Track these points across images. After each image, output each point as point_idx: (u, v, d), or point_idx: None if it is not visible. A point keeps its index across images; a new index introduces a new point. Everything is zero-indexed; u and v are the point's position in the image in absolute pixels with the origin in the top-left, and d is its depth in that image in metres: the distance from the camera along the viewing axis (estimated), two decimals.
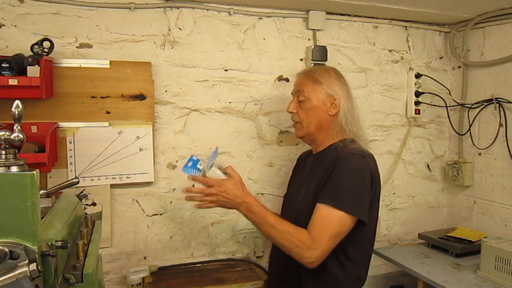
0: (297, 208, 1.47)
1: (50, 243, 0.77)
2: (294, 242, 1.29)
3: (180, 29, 1.88)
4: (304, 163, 1.64)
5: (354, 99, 1.54)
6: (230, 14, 1.94)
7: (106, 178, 1.77)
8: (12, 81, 1.41)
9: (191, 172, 1.43)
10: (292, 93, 1.59)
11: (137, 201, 1.86)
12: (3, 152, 0.78)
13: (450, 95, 2.35)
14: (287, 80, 2.06)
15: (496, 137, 2.12)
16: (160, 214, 1.90)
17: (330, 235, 1.27)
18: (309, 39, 2.09)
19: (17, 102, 0.81)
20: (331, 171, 1.34)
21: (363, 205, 1.31)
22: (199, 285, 1.71)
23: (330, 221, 1.28)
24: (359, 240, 1.37)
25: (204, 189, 1.38)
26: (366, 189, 1.33)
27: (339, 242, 1.31)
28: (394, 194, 2.35)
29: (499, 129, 2.10)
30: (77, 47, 1.73)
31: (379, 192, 1.43)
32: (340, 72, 1.55)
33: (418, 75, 2.29)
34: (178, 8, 1.87)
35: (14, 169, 0.77)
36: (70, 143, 1.71)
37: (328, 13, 2.08)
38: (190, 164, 1.45)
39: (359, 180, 1.32)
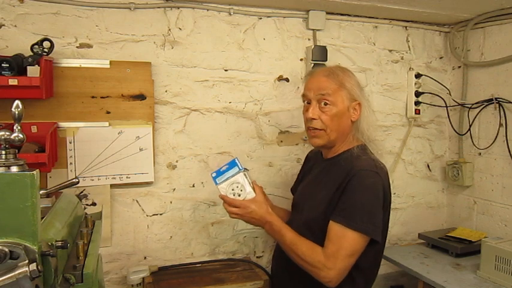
0: (307, 216, 1.44)
1: (50, 243, 0.77)
2: (310, 262, 1.30)
3: (180, 29, 1.88)
4: (313, 164, 1.60)
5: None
6: (230, 14, 1.94)
7: (106, 178, 1.77)
8: (12, 81, 1.41)
9: (222, 177, 1.47)
10: (307, 97, 1.44)
11: (137, 201, 1.86)
12: (3, 152, 0.78)
13: (450, 95, 2.35)
14: (287, 80, 2.06)
15: (496, 137, 2.12)
16: (160, 214, 1.90)
17: (345, 254, 1.26)
18: (309, 39, 2.09)
19: (17, 102, 0.81)
20: (344, 187, 1.31)
21: (376, 224, 1.29)
22: (199, 285, 1.71)
23: (345, 240, 1.26)
24: (370, 254, 1.35)
25: (230, 209, 1.42)
26: (379, 207, 1.31)
27: (355, 259, 1.29)
28: (394, 194, 2.34)
29: (499, 129, 2.10)
30: (77, 47, 1.73)
31: (390, 204, 1.41)
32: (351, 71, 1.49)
33: (418, 75, 2.29)
34: (178, 8, 1.87)
35: (14, 169, 0.77)
36: (70, 143, 1.71)
37: (328, 13, 2.08)
38: (224, 167, 1.47)
39: (373, 198, 1.30)
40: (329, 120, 1.39)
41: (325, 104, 1.39)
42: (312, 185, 1.50)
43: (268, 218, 1.39)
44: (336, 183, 1.34)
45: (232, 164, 1.46)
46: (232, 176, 1.44)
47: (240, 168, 1.44)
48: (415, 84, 2.29)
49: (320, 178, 1.48)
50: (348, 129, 1.43)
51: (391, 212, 2.27)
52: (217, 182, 1.46)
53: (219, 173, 1.48)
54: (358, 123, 1.42)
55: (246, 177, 1.45)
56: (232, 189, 1.43)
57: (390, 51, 2.27)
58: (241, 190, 1.42)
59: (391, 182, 2.25)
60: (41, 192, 0.97)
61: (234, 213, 1.41)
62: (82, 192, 1.74)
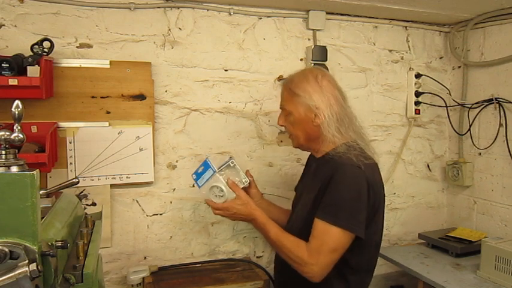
0: (299, 215, 1.46)
1: (50, 243, 0.77)
2: (292, 257, 1.33)
3: (180, 29, 1.88)
4: (310, 165, 1.61)
5: (346, 99, 1.44)
6: (230, 14, 1.94)
7: (106, 178, 1.77)
8: (12, 81, 1.41)
9: (202, 178, 1.52)
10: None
11: (137, 201, 1.86)
12: (3, 152, 0.78)
13: (450, 95, 2.35)
14: None
15: (496, 137, 2.12)
16: (160, 214, 1.90)
17: (328, 250, 1.28)
18: (309, 39, 2.09)
19: (17, 102, 0.81)
20: (327, 184, 1.32)
21: (359, 220, 1.28)
22: (199, 285, 1.71)
23: (327, 237, 1.28)
24: (360, 251, 1.35)
25: (216, 212, 1.50)
26: (362, 202, 1.29)
27: (339, 256, 1.30)
28: (394, 194, 2.35)
29: (499, 129, 2.10)
30: (77, 47, 1.73)
31: (383, 200, 1.40)
32: (322, 74, 1.43)
33: (418, 75, 2.29)
34: (178, 8, 1.87)
35: (14, 169, 0.77)
36: (70, 143, 1.71)
37: (328, 13, 2.08)
38: (201, 169, 1.53)
39: (355, 193, 1.29)
40: (291, 127, 1.46)
41: (286, 114, 1.46)
42: (305, 185, 1.53)
43: (253, 214, 1.43)
44: (321, 182, 1.36)
45: (206, 166, 1.51)
46: (209, 178, 1.50)
47: (214, 170, 1.49)
48: (415, 84, 2.29)
49: (312, 178, 1.50)
50: (315, 133, 1.41)
51: (391, 212, 2.33)
52: (200, 185, 1.52)
53: (198, 174, 1.53)
54: (324, 127, 1.38)
55: (223, 177, 1.49)
56: (214, 192, 1.49)
57: (390, 51, 2.27)
58: (221, 191, 1.48)
59: (391, 182, 2.31)
60: (41, 192, 0.97)
61: (219, 214, 1.49)
62: (82, 192, 1.74)
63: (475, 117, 2.23)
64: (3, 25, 1.64)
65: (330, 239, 1.27)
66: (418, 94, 2.29)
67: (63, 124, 1.70)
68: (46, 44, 1.58)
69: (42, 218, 0.84)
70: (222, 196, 1.47)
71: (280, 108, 1.50)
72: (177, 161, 1.91)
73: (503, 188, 2.11)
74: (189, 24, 1.89)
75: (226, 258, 2.01)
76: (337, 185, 1.30)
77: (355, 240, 1.30)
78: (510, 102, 2.04)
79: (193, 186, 1.93)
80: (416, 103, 2.30)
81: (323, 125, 1.38)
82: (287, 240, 1.35)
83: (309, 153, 1.73)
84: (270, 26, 2.02)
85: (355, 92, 2.18)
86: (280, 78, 2.05)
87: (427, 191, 2.43)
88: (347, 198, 1.29)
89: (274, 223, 1.41)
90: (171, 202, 1.91)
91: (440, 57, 2.39)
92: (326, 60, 2.03)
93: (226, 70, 1.96)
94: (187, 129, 1.92)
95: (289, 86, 1.43)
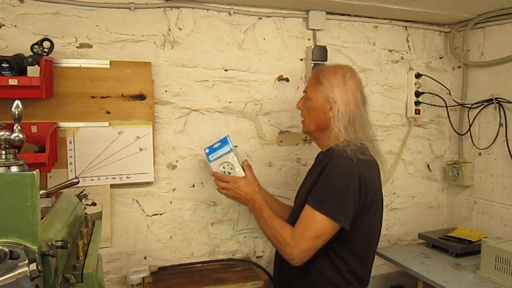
0: (296, 205, 1.52)
1: (50, 243, 0.77)
2: (277, 237, 1.38)
3: (180, 29, 1.88)
4: (315, 159, 1.66)
5: (366, 105, 1.49)
6: (230, 14, 1.94)
7: (106, 178, 1.76)
8: (12, 81, 1.41)
9: (214, 154, 1.60)
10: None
11: (137, 201, 1.86)
12: (3, 152, 0.78)
13: (450, 95, 2.35)
14: (287, 80, 2.06)
15: (496, 137, 2.12)
16: (160, 214, 1.90)
17: (310, 235, 1.30)
18: (309, 39, 2.09)
19: (17, 102, 0.81)
20: (320, 173, 1.36)
21: (346, 211, 1.30)
22: (199, 285, 1.71)
23: (312, 222, 1.31)
24: (350, 241, 1.36)
25: (220, 183, 1.57)
26: (351, 193, 1.31)
27: (322, 243, 1.32)
28: (394, 194, 2.35)
29: (499, 129, 2.10)
30: (77, 47, 1.73)
31: (378, 197, 1.41)
32: (351, 73, 1.47)
33: (418, 75, 2.29)
34: (178, 8, 1.87)
35: (14, 169, 0.77)
36: (70, 143, 1.71)
37: (328, 13, 2.08)
38: (217, 144, 1.60)
39: (344, 184, 1.31)
40: (306, 112, 1.52)
41: (306, 97, 1.52)
42: (305, 177, 1.59)
43: (253, 195, 1.51)
44: (317, 173, 1.40)
45: (224, 142, 1.59)
46: (224, 154, 1.57)
47: (232, 147, 1.57)
48: (415, 84, 2.29)
49: (311, 170, 1.57)
50: (326, 124, 1.45)
51: (391, 212, 2.33)
52: (210, 159, 1.59)
53: (212, 149, 1.60)
54: (335, 121, 1.42)
55: (236, 157, 1.56)
56: (223, 168, 1.57)
57: (390, 51, 2.27)
58: (231, 169, 1.56)
59: (391, 182, 2.31)
60: (41, 192, 0.97)
61: (223, 187, 1.55)
62: (82, 192, 1.74)
63: (475, 117, 2.23)
64: (3, 25, 1.64)
65: (313, 225, 1.31)
66: (418, 94, 2.29)
67: (63, 124, 1.70)
68: (46, 44, 1.58)
69: (42, 218, 0.84)
70: (230, 173, 1.56)
71: (304, 92, 1.56)
72: (177, 161, 1.91)
73: (503, 188, 2.11)
74: (189, 24, 1.89)
75: (226, 258, 2.01)
76: (327, 175, 1.34)
77: (342, 231, 1.32)
78: (510, 102, 2.04)
79: (193, 186, 1.94)
80: (416, 103, 2.30)
81: (333, 119, 1.42)
82: (277, 223, 1.41)
83: (307, 152, 1.77)
84: (270, 26, 2.02)
85: None
86: (280, 78, 2.05)
87: (427, 191, 2.43)
88: (336, 187, 1.32)
89: (270, 208, 1.47)
90: (171, 202, 1.91)
91: (440, 57, 2.39)
92: (326, 60, 2.03)
93: (226, 70, 1.96)
94: (187, 129, 1.92)
95: (318, 74, 1.50)
